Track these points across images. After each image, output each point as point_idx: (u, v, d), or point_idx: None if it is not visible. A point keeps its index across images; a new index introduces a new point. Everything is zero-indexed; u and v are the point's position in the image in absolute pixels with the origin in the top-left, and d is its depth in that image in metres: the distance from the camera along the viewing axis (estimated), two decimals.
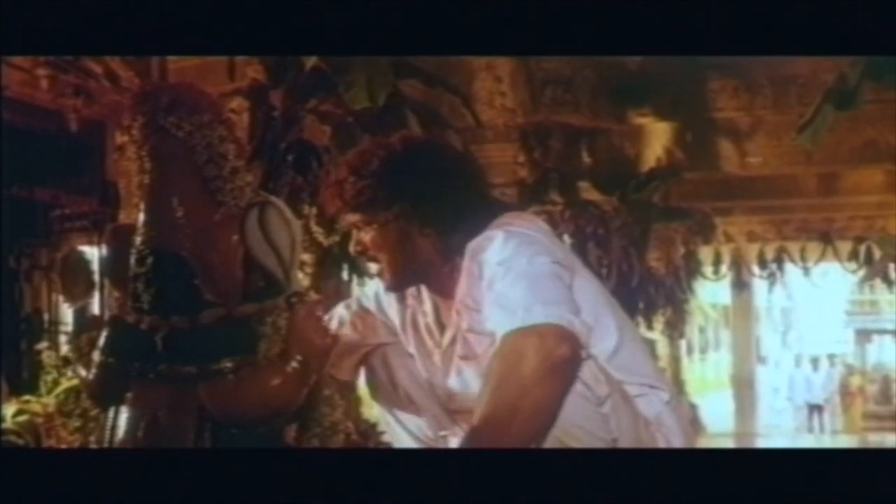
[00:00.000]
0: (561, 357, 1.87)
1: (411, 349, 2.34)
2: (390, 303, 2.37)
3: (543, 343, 1.86)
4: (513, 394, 1.86)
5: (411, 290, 2.32)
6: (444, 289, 2.21)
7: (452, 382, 2.21)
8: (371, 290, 2.47)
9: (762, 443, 13.62)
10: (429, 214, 2.17)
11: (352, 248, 2.29)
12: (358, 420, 2.47)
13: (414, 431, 2.35)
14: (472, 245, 2.10)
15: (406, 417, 2.36)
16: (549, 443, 1.90)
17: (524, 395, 1.85)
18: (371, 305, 2.42)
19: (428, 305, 2.29)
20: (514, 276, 1.97)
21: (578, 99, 6.67)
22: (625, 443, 1.96)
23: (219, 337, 1.97)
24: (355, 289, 5.41)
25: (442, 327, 2.27)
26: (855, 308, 23.04)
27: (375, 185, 2.16)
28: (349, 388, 2.50)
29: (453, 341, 2.21)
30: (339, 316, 2.42)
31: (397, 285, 2.27)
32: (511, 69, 6.46)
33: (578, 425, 1.92)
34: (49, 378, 4.55)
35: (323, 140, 4.37)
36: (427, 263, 2.19)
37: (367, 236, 2.21)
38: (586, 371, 1.94)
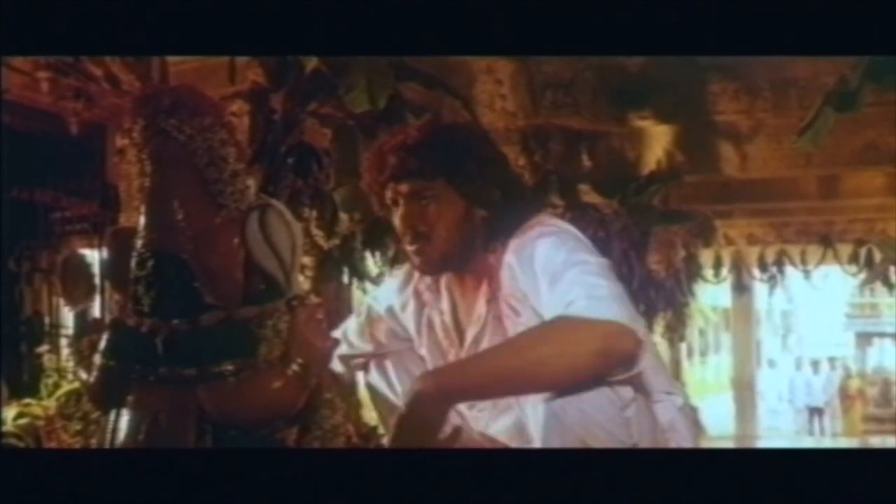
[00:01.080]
0: (622, 350, 1.89)
1: (423, 351, 2.34)
2: (406, 304, 2.36)
3: (614, 328, 1.88)
4: (557, 360, 1.88)
5: (429, 286, 2.31)
6: (477, 277, 2.19)
7: None
8: (382, 294, 2.46)
9: (763, 446, 13.61)
10: (477, 192, 2.15)
11: (398, 221, 2.18)
12: (359, 423, 2.47)
13: None
14: (519, 241, 2.09)
15: None
16: (571, 441, 1.90)
17: (568, 364, 1.88)
18: (381, 311, 2.41)
19: (446, 304, 2.28)
20: (587, 273, 1.97)
21: (579, 102, 6.66)
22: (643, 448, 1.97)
23: (219, 340, 1.97)
24: (355, 292, 5.41)
25: (459, 326, 2.26)
26: (855, 311, 23.08)
27: (419, 155, 2.14)
28: (350, 392, 2.50)
29: (481, 334, 2.19)
30: (351, 325, 2.44)
31: (440, 266, 2.21)
32: (511, 72, 6.45)
33: (602, 426, 1.92)
34: (50, 381, 4.55)
35: (323, 143, 4.37)
36: (475, 247, 2.17)
37: (423, 207, 2.15)
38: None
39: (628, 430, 1.95)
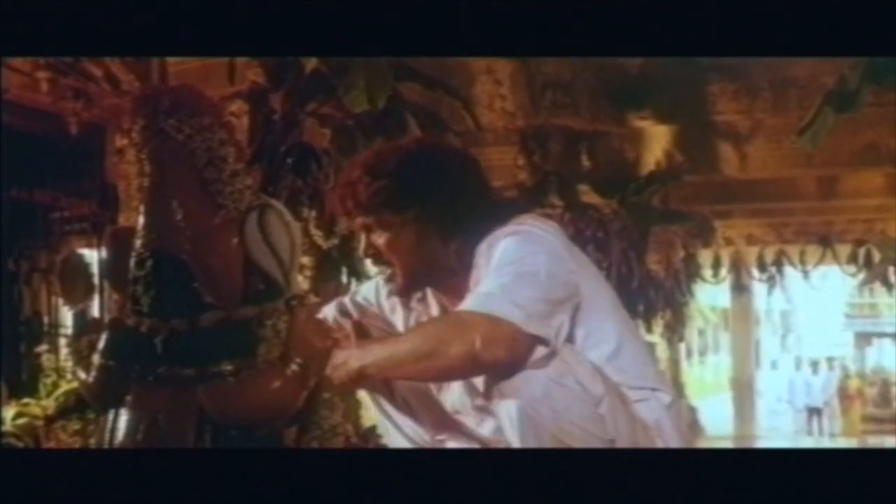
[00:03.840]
0: (493, 356, 1.91)
1: None
2: (394, 307, 2.36)
3: (493, 330, 1.91)
4: (431, 347, 1.94)
5: (416, 294, 2.32)
6: (458, 292, 2.20)
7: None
8: (370, 290, 2.45)
9: (762, 446, 13.61)
10: (447, 219, 2.15)
11: (362, 251, 2.24)
12: (357, 423, 2.46)
13: (411, 435, 2.35)
14: (482, 246, 2.10)
15: (403, 421, 2.37)
16: (547, 440, 1.91)
17: (439, 353, 1.93)
18: (372, 307, 2.41)
19: (434, 310, 2.29)
20: (511, 270, 1.98)
21: (578, 102, 6.67)
22: (622, 444, 1.98)
23: (218, 340, 1.97)
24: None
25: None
26: (854, 311, 23.08)
27: (392, 186, 2.12)
28: (349, 392, 2.50)
29: None
30: (331, 317, 2.40)
31: (409, 289, 2.23)
32: (511, 72, 6.46)
33: (575, 423, 1.94)
34: (48, 381, 4.55)
35: (323, 143, 4.37)
36: (444, 269, 2.16)
37: (380, 239, 2.15)
38: (581, 371, 1.96)
39: (604, 427, 1.96)
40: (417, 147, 2.25)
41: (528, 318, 1.92)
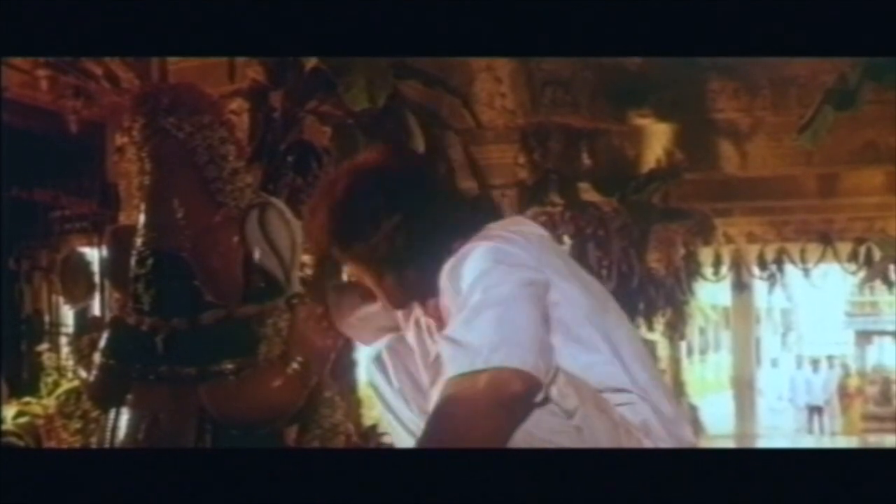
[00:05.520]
0: (512, 394, 1.86)
1: (410, 340, 2.35)
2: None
3: (498, 376, 1.85)
4: (460, 425, 1.86)
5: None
6: (436, 313, 2.19)
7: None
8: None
9: (762, 444, 13.62)
10: (431, 218, 2.13)
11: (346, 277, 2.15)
12: (358, 422, 2.47)
13: (413, 430, 2.35)
14: (448, 264, 2.07)
15: (405, 416, 2.37)
16: None
17: (472, 427, 1.86)
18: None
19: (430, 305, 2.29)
20: (483, 304, 1.93)
21: (578, 100, 6.67)
22: None
23: (219, 338, 1.97)
24: None
25: (441, 324, 2.27)
26: (855, 309, 23.06)
27: (377, 193, 2.06)
28: (349, 390, 2.51)
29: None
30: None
31: (404, 304, 2.18)
32: (511, 70, 6.46)
33: (546, 440, 1.91)
34: (49, 379, 4.56)
35: (323, 141, 4.36)
36: (431, 275, 2.14)
37: (354, 268, 2.10)
38: (552, 388, 1.93)
39: (580, 438, 1.92)
40: (371, 162, 2.19)
41: (524, 357, 1.87)
